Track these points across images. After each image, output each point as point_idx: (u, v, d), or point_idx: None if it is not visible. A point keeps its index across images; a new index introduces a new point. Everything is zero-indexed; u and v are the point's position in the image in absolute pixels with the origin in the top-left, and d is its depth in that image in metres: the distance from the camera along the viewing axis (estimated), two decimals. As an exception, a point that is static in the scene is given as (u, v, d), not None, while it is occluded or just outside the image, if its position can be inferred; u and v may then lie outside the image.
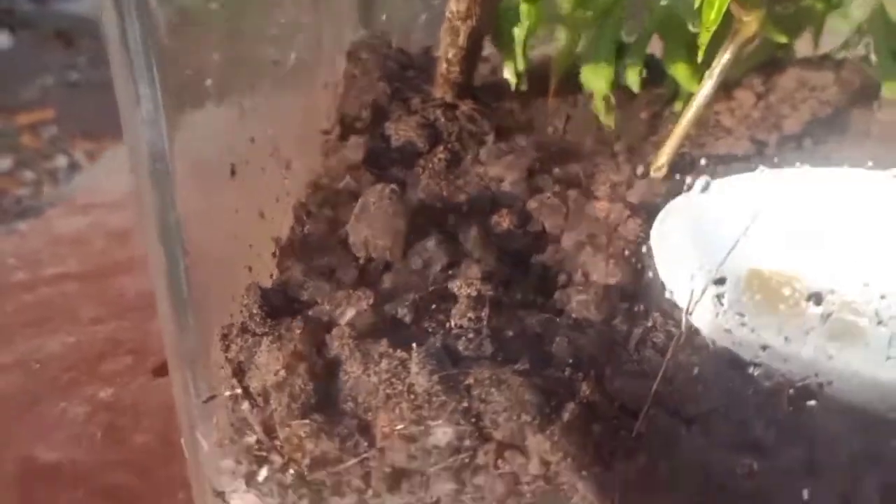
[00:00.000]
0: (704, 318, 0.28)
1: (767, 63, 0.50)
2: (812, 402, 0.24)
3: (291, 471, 0.25)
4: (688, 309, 0.27)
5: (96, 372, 0.46)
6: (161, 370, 0.47)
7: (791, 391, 0.24)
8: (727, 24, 0.38)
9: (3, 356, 0.47)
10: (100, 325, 0.50)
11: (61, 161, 2.42)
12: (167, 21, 0.23)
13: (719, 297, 0.26)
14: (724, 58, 0.38)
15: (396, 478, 0.25)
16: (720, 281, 0.26)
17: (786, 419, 0.24)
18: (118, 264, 0.57)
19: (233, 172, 0.29)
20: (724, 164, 0.43)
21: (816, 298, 0.25)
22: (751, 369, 0.25)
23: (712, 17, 0.31)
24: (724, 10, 0.31)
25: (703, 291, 0.27)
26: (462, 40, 0.39)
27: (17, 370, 0.46)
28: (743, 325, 0.27)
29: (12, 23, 2.98)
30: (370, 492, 0.25)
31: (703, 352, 0.28)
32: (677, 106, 0.48)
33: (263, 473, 0.25)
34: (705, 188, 0.36)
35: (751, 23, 0.37)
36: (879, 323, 0.28)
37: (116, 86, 0.23)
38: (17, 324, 0.50)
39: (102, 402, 0.44)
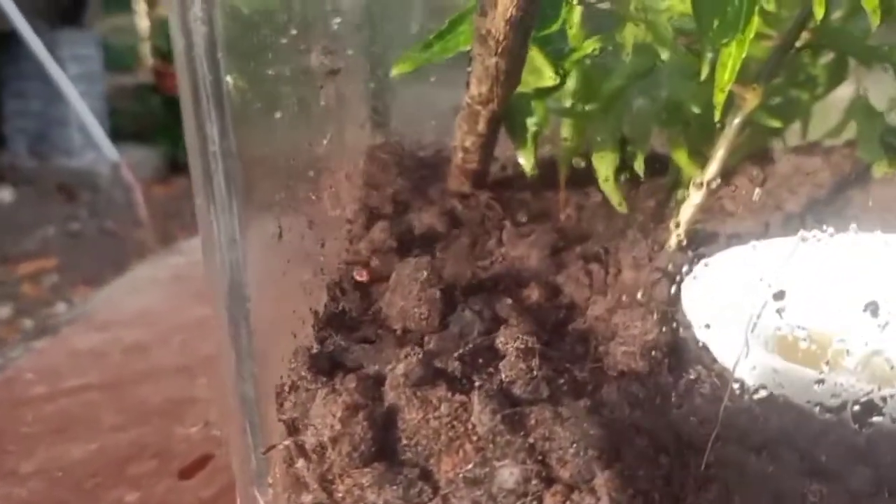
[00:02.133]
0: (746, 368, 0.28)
1: (760, 154, 0.51)
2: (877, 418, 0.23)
3: (353, 526, 0.24)
4: (738, 360, 0.27)
5: (122, 476, 0.44)
6: (187, 472, 0.45)
7: (855, 407, 0.23)
8: (728, 106, 0.40)
9: (25, 466, 0.45)
10: (122, 432, 0.49)
11: (61, 308, 2.41)
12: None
13: (780, 311, 0.26)
14: (731, 129, 0.39)
15: (462, 527, 0.24)
16: (779, 295, 0.26)
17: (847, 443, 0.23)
18: (139, 374, 0.55)
19: (280, 236, 0.29)
20: (741, 239, 0.43)
21: (873, 309, 0.25)
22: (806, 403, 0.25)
23: (726, 78, 0.32)
24: (737, 69, 0.32)
25: (746, 344, 0.27)
26: (481, 126, 0.40)
27: (40, 478, 0.44)
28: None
29: (14, 178, 3.04)
30: (435, 545, 0.24)
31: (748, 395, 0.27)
32: (680, 195, 0.48)
33: (323, 531, 0.24)
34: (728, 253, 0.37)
35: (752, 98, 0.38)
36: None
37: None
38: (39, 433, 0.48)
39: (129, 505, 0.42)
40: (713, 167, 0.41)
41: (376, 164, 0.48)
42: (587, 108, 0.46)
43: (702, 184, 0.40)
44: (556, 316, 0.35)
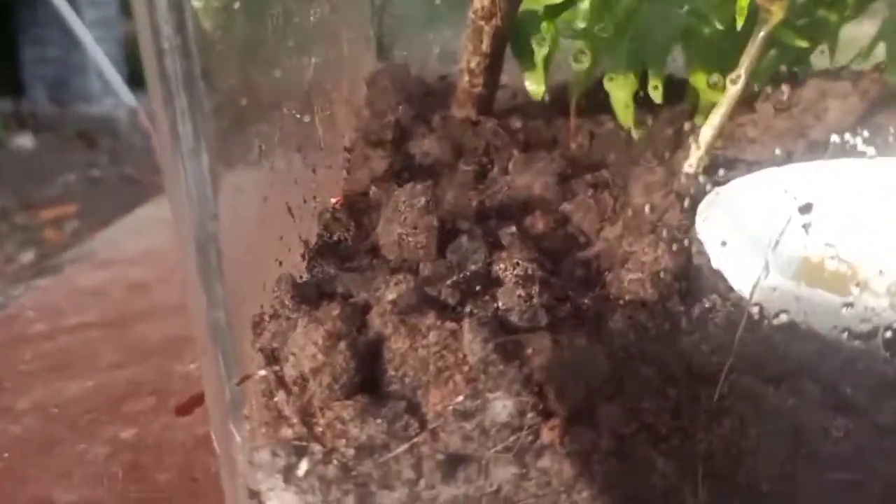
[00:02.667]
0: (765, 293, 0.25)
1: (785, 78, 0.48)
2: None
3: (335, 462, 0.22)
4: (756, 283, 0.24)
5: (118, 413, 0.43)
6: (184, 409, 0.43)
7: (887, 334, 0.21)
8: (750, 26, 0.37)
9: (21, 402, 0.44)
10: (121, 370, 0.47)
11: (81, 251, 2.41)
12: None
13: (805, 226, 0.23)
14: (752, 50, 0.36)
15: (451, 465, 0.22)
16: (806, 208, 0.23)
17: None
18: (138, 313, 0.54)
19: (259, 157, 0.26)
20: (762, 166, 0.40)
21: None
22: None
23: (744, 2, 0.29)
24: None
25: (766, 267, 0.25)
26: (486, 45, 0.37)
27: (35, 415, 0.43)
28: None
29: (35, 125, 3.03)
30: (422, 483, 0.22)
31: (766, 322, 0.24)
32: (698, 120, 0.45)
33: (303, 467, 0.22)
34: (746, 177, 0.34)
35: (777, 11, 0.35)
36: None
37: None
38: (36, 371, 0.47)
39: (124, 442, 0.40)
40: (741, 80, 0.38)
41: (378, 90, 0.45)
42: (601, 27, 0.43)
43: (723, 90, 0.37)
44: (562, 244, 0.33)
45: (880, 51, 0.48)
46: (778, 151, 0.43)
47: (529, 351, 0.21)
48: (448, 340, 0.22)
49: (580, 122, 0.46)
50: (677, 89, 0.46)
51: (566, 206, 0.35)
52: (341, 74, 0.42)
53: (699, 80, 0.43)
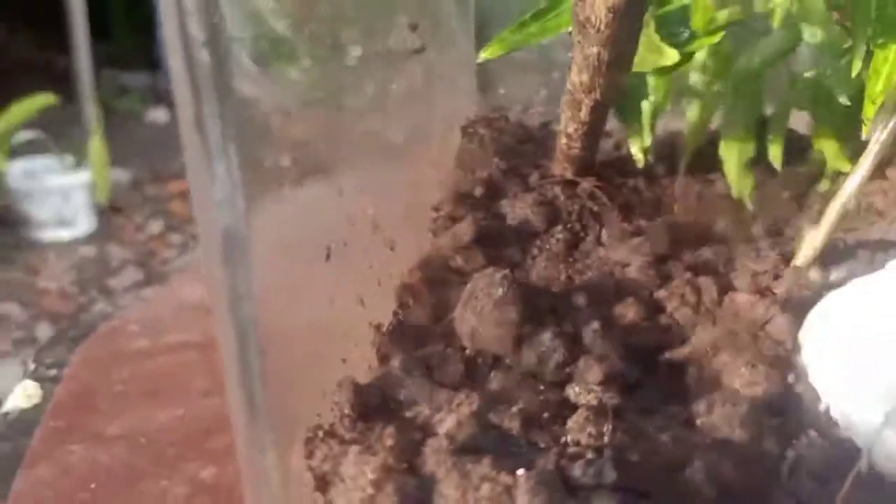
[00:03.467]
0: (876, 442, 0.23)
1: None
2: None
3: None
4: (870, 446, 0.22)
5: (201, 449, 0.43)
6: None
7: None
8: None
9: (112, 428, 0.45)
10: (209, 399, 0.48)
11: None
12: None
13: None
14: (883, 134, 0.32)
15: None
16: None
17: None
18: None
19: (328, 257, 0.25)
20: (883, 250, 0.36)
21: None
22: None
23: (879, 88, 0.26)
24: (893, 81, 0.26)
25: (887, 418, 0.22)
26: (584, 114, 0.34)
27: (124, 443, 0.44)
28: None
29: (169, 100, 3.16)
30: None
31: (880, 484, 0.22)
32: (822, 185, 0.42)
33: None
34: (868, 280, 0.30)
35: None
36: None
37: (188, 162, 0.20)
38: (131, 393, 0.48)
39: (204, 483, 0.41)
40: (867, 162, 0.34)
41: (473, 140, 0.44)
42: (718, 87, 0.40)
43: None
44: (652, 343, 0.31)
45: None
46: (909, 231, 0.39)
47: (590, 519, 0.19)
48: (501, 497, 0.20)
49: (688, 182, 0.43)
50: (800, 150, 0.42)
51: (661, 293, 0.33)
52: (434, 126, 0.40)
53: (825, 146, 0.39)
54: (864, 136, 0.29)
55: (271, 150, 0.22)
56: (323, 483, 0.22)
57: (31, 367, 0.53)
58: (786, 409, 0.25)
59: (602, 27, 0.27)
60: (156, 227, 2.51)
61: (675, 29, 0.33)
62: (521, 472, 0.20)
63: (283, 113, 0.25)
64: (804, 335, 0.28)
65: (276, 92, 0.24)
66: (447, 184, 0.40)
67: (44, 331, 1.90)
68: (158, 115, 3.07)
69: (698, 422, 0.25)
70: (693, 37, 0.33)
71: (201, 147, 0.19)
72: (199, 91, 0.19)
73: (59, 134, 2.43)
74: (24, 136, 2.23)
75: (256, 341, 0.21)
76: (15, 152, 2.24)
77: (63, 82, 2.52)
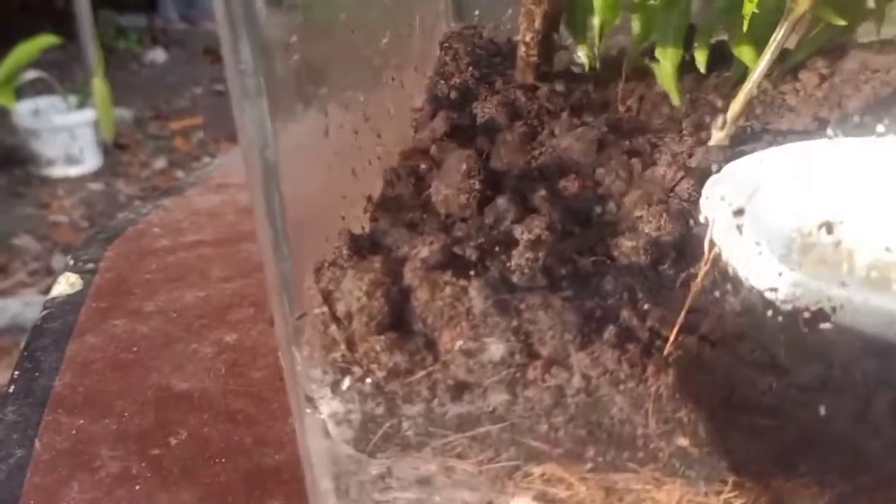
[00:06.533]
0: (746, 264, 0.29)
1: (832, 48, 0.49)
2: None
3: (369, 381, 0.27)
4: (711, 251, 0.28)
5: (224, 320, 0.50)
6: (277, 320, 0.50)
7: (806, 314, 0.25)
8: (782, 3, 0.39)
9: (147, 306, 0.52)
10: (228, 283, 0.55)
11: (207, 161, 2.56)
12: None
13: (739, 227, 0.27)
14: (777, 35, 0.38)
15: (458, 389, 0.27)
16: (739, 212, 0.27)
17: (803, 342, 0.25)
18: (246, 234, 0.61)
19: (326, 133, 0.32)
20: (785, 137, 0.43)
21: (827, 227, 0.26)
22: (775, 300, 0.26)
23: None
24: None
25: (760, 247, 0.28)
26: (538, 24, 0.40)
27: (159, 317, 0.51)
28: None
29: (166, 41, 3.17)
30: (436, 401, 0.27)
31: (736, 290, 0.28)
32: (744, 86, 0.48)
33: (346, 383, 0.28)
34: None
35: (801, 3, 0.37)
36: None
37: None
38: (159, 280, 0.55)
39: (227, 344, 0.48)
40: (765, 59, 0.40)
41: (449, 53, 0.49)
42: (655, 1, 0.46)
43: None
44: (588, 207, 0.37)
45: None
46: (811, 122, 0.45)
47: (522, 307, 0.26)
48: (459, 294, 0.27)
49: (631, 86, 0.49)
50: (728, 57, 0.48)
51: (600, 171, 0.39)
52: (414, 37, 0.46)
53: (742, 51, 0.45)
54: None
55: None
56: (328, 297, 0.29)
57: (71, 262, 0.59)
58: (683, 247, 0.32)
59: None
60: (160, 163, 2.55)
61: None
62: (472, 276, 0.27)
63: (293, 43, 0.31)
64: (704, 193, 0.34)
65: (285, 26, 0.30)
66: (427, 89, 0.46)
67: (58, 261, 1.96)
68: (156, 55, 3.08)
69: (615, 253, 0.32)
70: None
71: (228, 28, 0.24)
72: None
73: (62, 74, 2.45)
74: (29, 75, 2.25)
75: (281, 201, 0.27)
76: (20, 92, 2.27)
77: (62, 23, 2.53)
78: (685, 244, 0.33)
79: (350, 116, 0.34)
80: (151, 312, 0.51)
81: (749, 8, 0.32)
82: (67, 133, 2.31)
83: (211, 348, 0.47)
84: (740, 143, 0.41)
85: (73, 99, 2.36)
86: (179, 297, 0.53)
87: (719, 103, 0.47)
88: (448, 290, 0.27)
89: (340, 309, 0.29)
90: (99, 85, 2.35)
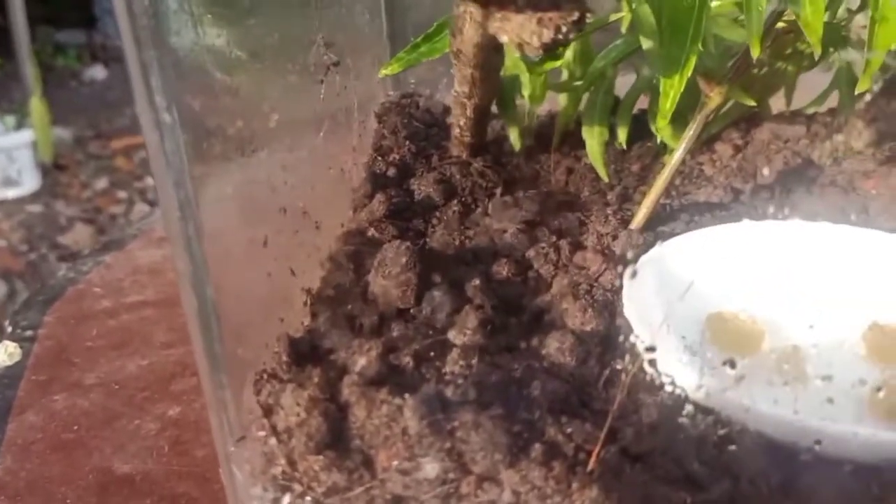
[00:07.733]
0: (667, 361, 0.31)
1: (747, 118, 0.52)
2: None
3: (309, 498, 0.28)
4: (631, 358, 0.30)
5: (167, 392, 0.50)
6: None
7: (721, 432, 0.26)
8: (698, 94, 0.40)
9: (88, 378, 0.51)
10: (171, 349, 0.54)
11: (150, 181, 2.51)
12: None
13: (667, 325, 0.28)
14: (693, 125, 0.40)
15: None
16: (651, 349, 0.28)
17: (717, 456, 0.26)
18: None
19: (265, 243, 0.32)
20: (702, 212, 0.44)
21: (731, 364, 0.27)
22: (690, 410, 0.27)
23: (668, 106, 0.33)
24: (676, 100, 0.33)
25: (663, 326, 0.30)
26: (469, 112, 0.41)
27: (100, 390, 0.50)
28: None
29: (106, 57, 3.10)
30: (375, 515, 0.28)
31: (657, 393, 0.30)
32: (666, 159, 0.49)
33: (286, 500, 0.28)
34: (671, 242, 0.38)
35: (714, 98, 0.38)
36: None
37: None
38: (101, 348, 0.54)
39: (171, 419, 0.47)
40: (680, 150, 0.41)
41: (387, 127, 0.50)
42: (580, 82, 0.47)
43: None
44: (520, 293, 0.38)
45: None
46: (726, 194, 0.47)
47: (456, 425, 0.27)
48: (395, 414, 0.27)
49: (560, 158, 0.50)
50: (648, 128, 0.50)
51: (530, 253, 0.40)
52: (351, 121, 0.47)
53: (662, 132, 0.47)
54: (659, 140, 0.36)
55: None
56: (268, 411, 0.29)
57: (9, 328, 0.58)
58: (606, 340, 0.33)
59: (471, 57, 0.34)
60: (101, 183, 2.49)
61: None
62: (407, 395, 0.28)
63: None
64: (624, 283, 0.35)
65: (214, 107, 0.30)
66: (365, 167, 0.46)
67: (-1, 289, 1.90)
68: (96, 72, 3.01)
69: (542, 352, 0.33)
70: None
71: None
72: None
73: (-3, 94, 2.37)
74: (-38, 98, 2.18)
75: (214, 309, 0.27)
76: (-47, 114, 2.20)
77: (-2, 41, 2.46)
78: (609, 338, 0.34)
79: (289, 220, 0.35)
80: (93, 385, 0.50)
81: (667, 106, 0.33)
82: (4, 155, 2.24)
83: (154, 424, 0.47)
84: (660, 222, 0.43)
85: (9, 119, 2.29)
86: (121, 366, 0.52)
87: (643, 174, 0.49)
88: (384, 408, 0.28)
89: (280, 424, 0.29)
90: (36, 104, 2.29)
